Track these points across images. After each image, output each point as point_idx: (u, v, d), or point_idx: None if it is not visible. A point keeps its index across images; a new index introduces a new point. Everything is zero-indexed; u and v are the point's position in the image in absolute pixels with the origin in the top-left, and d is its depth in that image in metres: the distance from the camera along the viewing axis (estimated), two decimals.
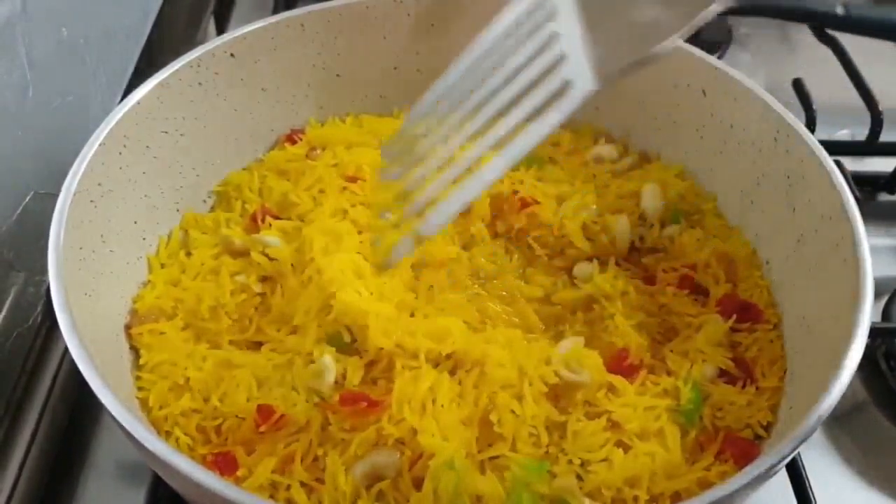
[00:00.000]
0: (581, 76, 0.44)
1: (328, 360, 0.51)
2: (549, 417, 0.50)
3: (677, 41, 0.45)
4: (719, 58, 0.81)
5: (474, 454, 0.49)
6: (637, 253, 0.63)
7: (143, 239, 0.58)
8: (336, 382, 0.51)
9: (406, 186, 0.48)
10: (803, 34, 0.90)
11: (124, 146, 0.56)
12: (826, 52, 0.85)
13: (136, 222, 0.58)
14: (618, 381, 0.52)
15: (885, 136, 0.78)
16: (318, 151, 0.66)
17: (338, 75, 0.69)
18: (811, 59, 0.88)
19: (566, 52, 0.45)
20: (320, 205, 0.59)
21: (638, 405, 0.51)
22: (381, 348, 0.51)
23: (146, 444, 0.41)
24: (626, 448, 0.50)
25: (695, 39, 0.93)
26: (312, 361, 0.52)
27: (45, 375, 0.58)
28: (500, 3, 0.68)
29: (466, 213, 0.60)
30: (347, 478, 0.47)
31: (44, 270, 0.47)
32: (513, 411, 0.50)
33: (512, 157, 0.44)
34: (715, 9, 0.46)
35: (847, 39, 0.86)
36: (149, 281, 0.57)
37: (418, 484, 0.48)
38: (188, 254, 0.59)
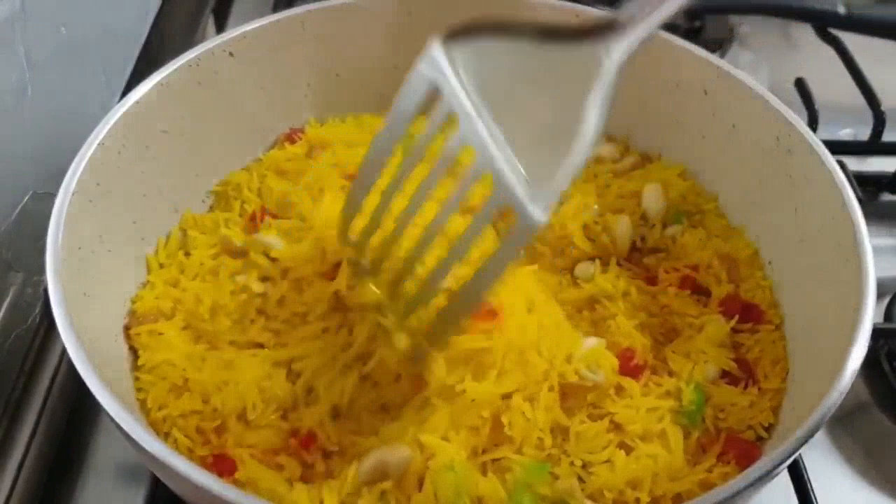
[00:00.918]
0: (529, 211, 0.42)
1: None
2: (555, 420, 0.50)
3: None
4: (721, 57, 0.81)
5: (478, 454, 0.49)
6: (638, 253, 0.62)
7: (142, 239, 0.58)
8: None
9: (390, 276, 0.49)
10: (805, 33, 0.90)
11: (123, 146, 0.56)
12: (828, 52, 0.85)
13: (134, 222, 0.57)
14: (627, 382, 0.52)
15: (888, 136, 0.78)
16: (319, 151, 0.66)
17: (338, 75, 0.69)
18: (813, 58, 0.88)
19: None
20: (319, 203, 0.59)
21: (641, 406, 0.51)
22: None
23: (145, 446, 0.41)
24: (629, 450, 0.50)
25: (697, 38, 0.94)
26: None
27: (43, 376, 0.57)
28: (501, 3, 0.68)
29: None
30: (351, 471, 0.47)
31: (42, 270, 0.47)
32: (523, 413, 0.49)
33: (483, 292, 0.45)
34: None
35: (849, 38, 0.86)
36: (148, 281, 0.57)
37: (422, 483, 0.47)
38: (187, 254, 0.59)
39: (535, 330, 0.51)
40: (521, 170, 0.42)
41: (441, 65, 0.44)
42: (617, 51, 0.43)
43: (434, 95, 0.45)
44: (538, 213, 0.42)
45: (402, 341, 0.50)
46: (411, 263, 0.48)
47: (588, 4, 0.68)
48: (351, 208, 0.51)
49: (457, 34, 0.44)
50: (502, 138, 0.43)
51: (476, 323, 0.50)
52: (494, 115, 0.43)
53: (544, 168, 0.42)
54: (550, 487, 0.47)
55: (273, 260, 0.56)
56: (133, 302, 0.56)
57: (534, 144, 0.43)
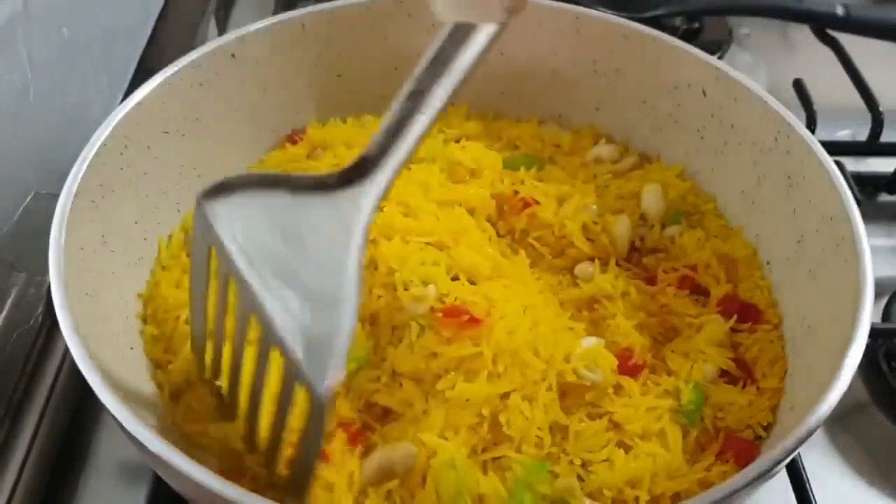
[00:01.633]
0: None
1: (432, 288, 0.51)
2: (554, 419, 0.50)
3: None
4: (720, 58, 0.81)
5: (478, 453, 0.49)
6: (638, 253, 0.63)
7: (145, 239, 0.58)
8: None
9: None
10: (804, 35, 0.90)
11: (125, 146, 0.56)
12: (827, 53, 0.86)
13: (137, 223, 0.58)
14: (626, 381, 0.53)
15: (886, 137, 0.78)
16: (320, 152, 0.66)
17: (339, 75, 0.69)
18: (812, 59, 0.88)
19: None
20: None
21: (640, 406, 0.51)
22: None
23: (147, 444, 0.41)
24: (628, 448, 0.50)
25: (695, 40, 0.94)
26: None
27: (45, 376, 0.58)
28: (499, 3, 0.68)
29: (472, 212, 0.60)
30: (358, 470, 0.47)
31: (45, 271, 0.47)
32: (522, 412, 0.49)
33: None
34: None
35: (847, 40, 0.86)
36: (151, 282, 0.57)
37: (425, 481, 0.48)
38: (189, 255, 0.59)
39: (527, 331, 0.51)
40: (300, 333, 0.41)
41: (208, 224, 0.43)
42: (366, 203, 0.44)
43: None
44: (323, 391, 0.40)
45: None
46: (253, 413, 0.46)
47: (588, 6, 0.69)
48: (197, 348, 0.49)
49: (215, 191, 0.43)
50: (282, 298, 0.42)
51: (461, 331, 0.50)
52: (273, 273, 0.42)
53: (321, 328, 0.41)
54: (550, 486, 0.48)
55: None
56: (143, 302, 0.56)
57: (308, 302, 0.42)
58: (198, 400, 0.52)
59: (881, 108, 0.78)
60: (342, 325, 0.41)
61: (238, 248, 0.42)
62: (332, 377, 0.40)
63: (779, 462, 0.42)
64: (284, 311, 0.41)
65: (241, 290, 0.42)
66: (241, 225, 0.43)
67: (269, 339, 0.42)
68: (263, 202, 0.44)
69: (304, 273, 0.43)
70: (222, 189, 0.44)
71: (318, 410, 0.41)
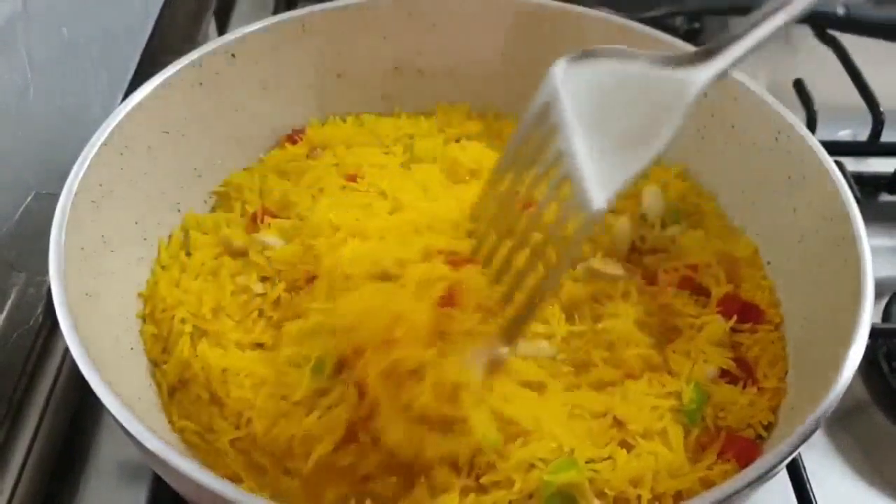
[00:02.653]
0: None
1: None
2: None
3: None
4: None
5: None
6: (638, 253, 0.62)
7: (144, 239, 0.58)
8: None
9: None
10: (804, 34, 0.90)
11: (125, 146, 0.56)
12: (827, 53, 0.86)
13: (136, 223, 0.58)
14: (629, 381, 0.53)
15: (887, 137, 0.78)
16: (319, 151, 0.66)
17: (338, 75, 0.69)
18: (812, 59, 0.88)
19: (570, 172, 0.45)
20: (318, 203, 0.59)
21: (643, 405, 0.51)
22: None
23: (147, 444, 0.41)
24: (630, 447, 0.50)
25: (696, 40, 0.94)
26: None
27: (46, 376, 0.57)
28: (500, 3, 0.68)
29: None
30: None
31: (45, 271, 0.47)
32: None
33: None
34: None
35: (848, 39, 0.86)
36: (150, 281, 0.57)
37: None
38: (188, 254, 0.59)
39: None
40: (593, 168, 0.44)
41: (556, 82, 0.47)
42: (701, 79, 0.47)
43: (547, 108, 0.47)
44: (595, 201, 0.43)
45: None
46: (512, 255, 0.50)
47: (588, 6, 0.69)
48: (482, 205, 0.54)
49: (581, 56, 0.47)
50: (589, 145, 0.45)
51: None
52: (589, 124, 0.46)
53: (613, 166, 0.44)
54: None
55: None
56: (143, 301, 0.56)
57: (615, 148, 0.45)
58: (190, 398, 0.52)
59: (882, 108, 0.78)
60: (632, 165, 0.44)
61: (571, 101, 0.46)
62: (603, 196, 0.43)
63: (780, 462, 0.42)
64: (588, 151, 0.44)
65: (558, 134, 0.45)
66: (584, 85, 0.47)
67: (564, 171, 0.44)
68: (615, 69, 0.47)
69: (622, 128, 0.46)
70: (585, 55, 0.47)
71: (583, 224, 0.43)
